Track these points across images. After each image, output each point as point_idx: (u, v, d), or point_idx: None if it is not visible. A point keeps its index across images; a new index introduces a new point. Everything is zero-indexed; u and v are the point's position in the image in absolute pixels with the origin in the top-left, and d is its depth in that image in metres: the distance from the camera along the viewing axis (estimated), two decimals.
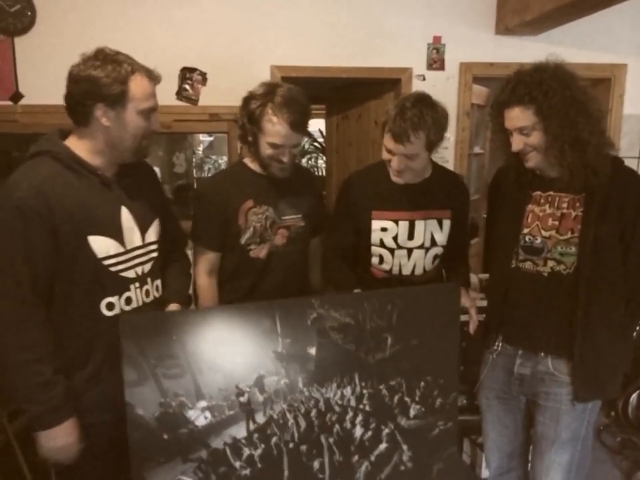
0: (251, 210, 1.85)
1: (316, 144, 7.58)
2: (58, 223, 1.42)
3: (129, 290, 1.56)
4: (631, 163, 3.42)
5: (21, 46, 2.93)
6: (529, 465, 1.99)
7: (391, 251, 1.90)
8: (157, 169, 4.38)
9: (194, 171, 6.18)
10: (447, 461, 1.77)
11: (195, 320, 1.54)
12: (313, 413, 1.62)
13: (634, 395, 3.08)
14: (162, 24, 3.02)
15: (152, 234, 1.64)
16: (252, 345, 1.57)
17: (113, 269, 1.52)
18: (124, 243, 1.54)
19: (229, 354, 1.57)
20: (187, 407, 1.52)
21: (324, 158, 5.76)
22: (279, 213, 1.90)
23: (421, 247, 1.91)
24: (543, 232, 1.70)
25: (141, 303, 1.60)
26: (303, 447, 1.61)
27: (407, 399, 1.72)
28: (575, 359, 1.68)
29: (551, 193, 1.71)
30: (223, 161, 6.56)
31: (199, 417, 1.53)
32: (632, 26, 3.26)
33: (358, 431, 1.67)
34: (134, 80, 1.46)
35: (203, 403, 1.54)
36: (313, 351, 1.63)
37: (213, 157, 6.89)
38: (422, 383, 1.73)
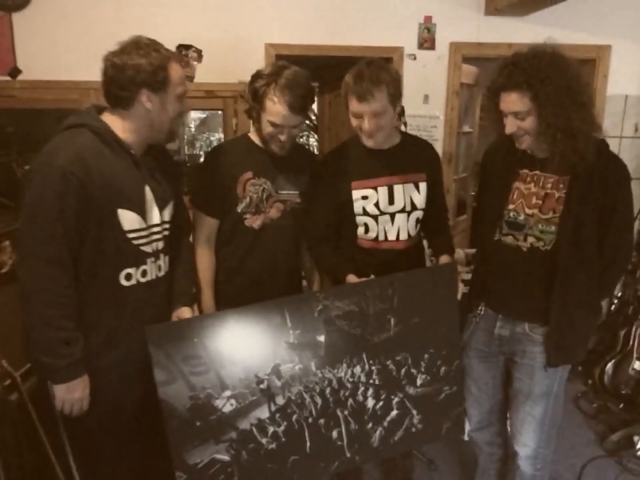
0: (249, 181, 1.90)
1: (308, 122, 7.60)
2: (93, 192, 1.49)
3: (145, 264, 1.63)
4: (613, 142, 3.51)
5: (19, 22, 2.95)
6: (507, 421, 2.11)
7: (375, 217, 1.94)
8: None
9: (185, 147, 6.21)
10: (455, 419, 1.92)
11: (213, 323, 1.69)
12: (328, 391, 1.76)
13: (609, 364, 3.24)
14: (159, 1, 3.03)
15: (166, 214, 1.72)
16: (266, 339, 1.72)
17: (135, 242, 1.59)
18: (146, 219, 1.62)
19: (246, 348, 1.71)
20: (214, 397, 1.68)
21: (316, 136, 5.81)
22: (276, 186, 1.94)
23: (402, 210, 1.96)
24: (526, 209, 1.77)
25: (154, 277, 1.67)
26: (321, 421, 1.76)
27: (413, 370, 1.84)
28: (550, 329, 1.77)
29: (537, 172, 1.77)
30: (214, 138, 6.56)
31: (226, 405, 1.68)
32: (617, 8, 3.28)
33: (370, 402, 1.81)
34: (171, 66, 1.55)
35: (227, 393, 1.69)
36: (322, 338, 1.75)
37: (205, 134, 6.88)
38: (426, 355, 1.85)
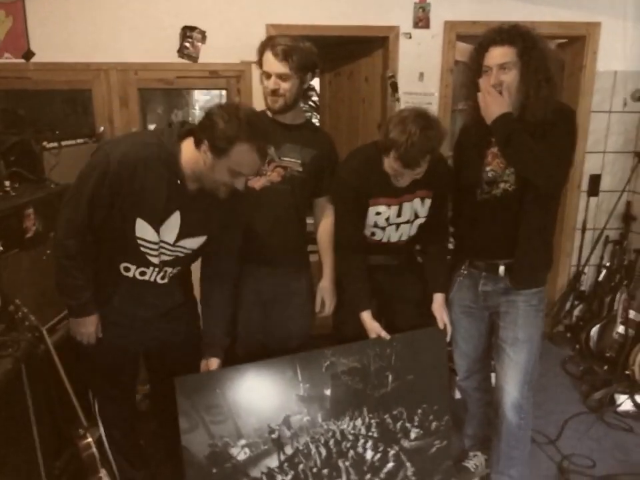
0: None
1: (310, 102, 7.68)
2: (127, 195, 1.61)
3: (147, 268, 1.75)
4: (602, 117, 3.48)
5: (32, 6, 2.97)
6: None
7: (383, 228, 2.07)
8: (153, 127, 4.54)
9: None
10: (445, 473, 2.02)
11: (234, 376, 1.82)
12: (331, 442, 1.86)
13: (595, 329, 3.35)
14: None
15: (188, 242, 1.77)
16: (279, 391, 1.84)
17: (142, 249, 1.70)
18: (159, 234, 1.70)
19: (261, 400, 1.84)
20: (230, 445, 1.80)
21: (318, 116, 5.92)
22: (279, 153, 2.01)
23: (407, 222, 2.07)
24: (500, 165, 1.91)
25: (152, 280, 1.78)
26: (325, 471, 1.86)
27: (407, 424, 1.95)
28: (517, 257, 1.92)
29: None
30: None
31: (240, 453, 1.81)
32: None
33: (369, 454, 1.91)
34: (240, 146, 1.54)
35: (242, 441, 1.81)
36: (328, 392, 1.87)
37: None
38: (419, 410, 1.96)
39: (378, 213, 2.04)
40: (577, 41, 3.38)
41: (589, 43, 3.31)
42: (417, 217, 2.09)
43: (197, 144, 1.61)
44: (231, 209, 1.81)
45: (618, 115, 3.46)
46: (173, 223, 1.71)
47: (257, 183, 2.02)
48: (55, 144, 2.48)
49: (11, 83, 3.13)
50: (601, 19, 3.28)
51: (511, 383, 2.03)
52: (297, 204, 2.11)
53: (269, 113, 2.06)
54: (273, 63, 1.93)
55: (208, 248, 1.84)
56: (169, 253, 1.76)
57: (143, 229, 1.68)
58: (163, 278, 1.80)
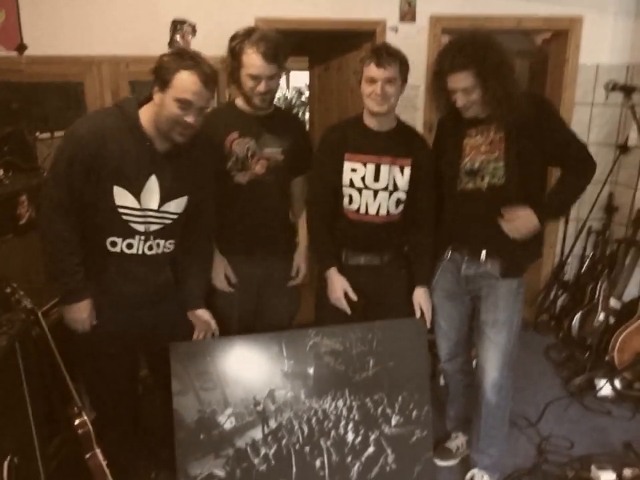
0: (235, 140, 2.04)
1: (303, 99, 7.75)
2: (99, 165, 1.67)
3: (132, 238, 1.78)
4: (584, 110, 3.57)
5: None
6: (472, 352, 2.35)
7: (359, 190, 2.10)
8: None
9: None
10: (425, 464, 2.05)
11: (224, 346, 1.92)
12: (313, 420, 1.92)
13: (577, 316, 3.43)
14: None
15: (172, 206, 1.82)
16: (265, 365, 1.92)
17: (124, 217, 1.74)
18: (139, 201, 1.75)
19: (248, 371, 1.92)
20: (218, 413, 1.88)
21: (308, 109, 5.96)
22: (260, 145, 2.06)
23: (385, 189, 2.10)
24: (479, 157, 1.99)
25: (141, 252, 1.81)
26: (307, 448, 1.92)
27: (388, 410, 2.00)
28: (511, 249, 2.00)
29: (481, 126, 1.99)
30: (208, 110, 6.75)
31: (226, 422, 1.88)
32: None
33: (350, 436, 1.96)
34: (182, 74, 1.63)
35: (229, 410, 1.89)
36: (311, 370, 1.94)
37: None
38: (400, 397, 2.01)
39: (353, 170, 2.11)
40: (560, 35, 3.45)
41: (572, 37, 3.38)
42: (396, 188, 2.13)
43: (150, 94, 1.71)
44: (203, 168, 1.90)
45: (600, 107, 3.54)
46: (152, 188, 1.77)
47: (244, 178, 2.09)
48: (48, 134, 2.54)
49: (3, 76, 3.16)
50: (583, 13, 3.35)
51: (491, 363, 2.10)
52: (283, 191, 2.21)
53: (243, 107, 2.09)
54: (262, 66, 1.95)
55: (190, 209, 1.89)
56: (156, 220, 1.81)
57: (121, 196, 1.73)
58: (150, 249, 1.83)
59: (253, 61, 1.95)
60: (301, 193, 2.29)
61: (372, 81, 2.01)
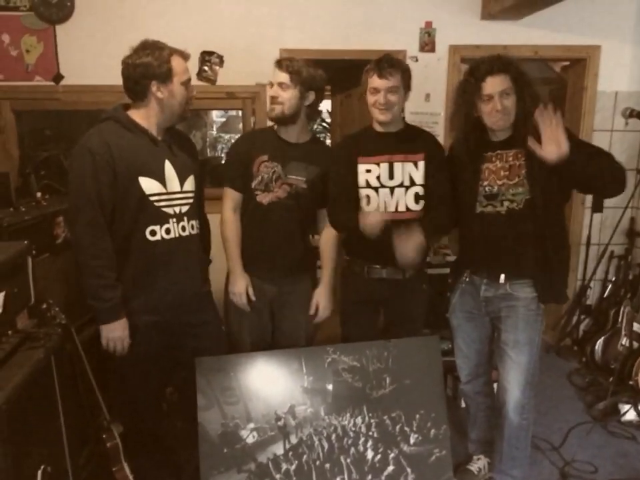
0: (263, 163, 2.15)
1: (324, 124, 7.87)
2: (117, 165, 1.79)
3: (168, 223, 1.90)
4: (604, 136, 3.60)
5: (62, 32, 3.18)
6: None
7: (376, 189, 2.17)
8: None
9: (208, 150, 6.53)
10: None
11: (247, 361, 1.99)
12: (333, 437, 1.96)
13: (600, 341, 3.41)
14: (184, 12, 3.21)
15: (188, 185, 1.98)
16: (285, 381, 1.98)
17: (156, 204, 1.88)
18: (165, 186, 1.90)
19: (269, 387, 1.98)
20: (240, 427, 1.94)
21: (330, 136, 6.07)
22: (285, 171, 2.15)
23: (401, 185, 2.16)
24: (497, 181, 2.03)
25: (177, 235, 1.93)
26: (327, 465, 1.95)
27: (406, 428, 2.02)
28: (545, 274, 2.02)
29: (499, 151, 2.04)
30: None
31: (249, 436, 1.94)
32: (604, 10, 3.32)
33: (369, 454, 1.98)
34: (174, 60, 1.83)
35: (251, 425, 1.94)
36: (330, 387, 1.99)
37: (226, 137, 7.20)
38: (417, 415, 2.04)
39: (368, 171, 2.19)
40: (579, 63, 3.51)
41: (590, 65, 3.43)
42: (412, 182, 2.19)
43: (142, 97, 1.86)
44: (191, 152, 2.10)
45: (620, 133, 3.56)
46: (170, 172, 1.93)
47: (265, 199, 2.18)
48: None
49: (41, 104, 3.34)
50: (601, 42, 3.41)
51: (513, 383, 2.11)
52: (302, 218, 2.26)
53: (280, 134, 2.21)
54: (275, 73, 2.12)
55: (198, 188, 2.06)
56: (182, 201, 1.97)
57: (148, 185, 1.87)
58: (183, 229, 1.97)
59: (273, 70, 2.15)
60: (325, 223, 2.32)
61: (375, 91, 2.12)
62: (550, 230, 2.03)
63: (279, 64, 2.12)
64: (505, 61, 1.96)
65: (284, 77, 2.11)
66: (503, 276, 2.09)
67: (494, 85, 1.95)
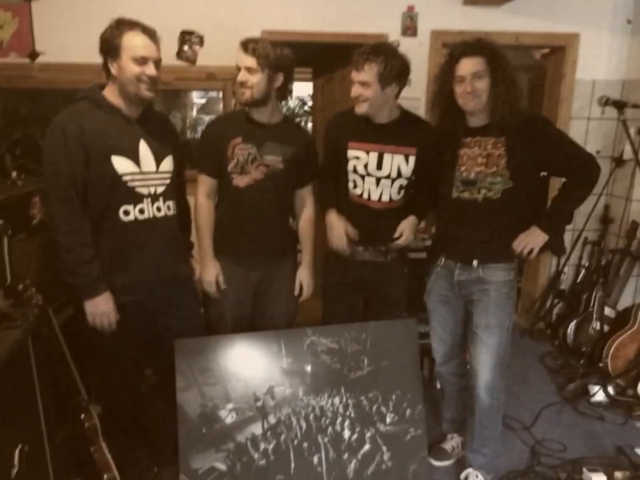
0: (238, 145, 2.11)
1: (306, 108, 7.84)
2: (89, 143, 1.78)
3: (142, 202, 1.90)
4: (580, 124, 3.59)
5: (38, 8, 3.11)
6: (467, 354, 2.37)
7: (362, 177, 2.19)
8: None
9: (188, 131, 6.47)
10: (420, 463, 2.10)
11: (226, 343, 1.99)
12: (311, 417, 1.98)
13: (572, 325, 3.47)
14: None
15: (165, 165, 1.97)
16: (264, 362, 1.99)
17: (129, 184, 1.86)
18: (140, 165, 1.89)
19: (249, 368, 1.99)
20: (219, 407, 1.95)
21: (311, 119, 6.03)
22: (261, 152, 2.12)
23: (388, 177, 2.18)
24: (475, 168, 2.03)
25: (151, 215, 1.93)
26: (305, 444, 1.98)
27: (382, 408, 2.06)
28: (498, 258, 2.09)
29: (478, 138, 2.04)
30: None
31: (227, 416, 1.95)
32: None
33: (346, 433, 2.02)
34: (127, 35, 1.80)
35: (230, 405, 1.96)
36: (308, 368, 2.01)
37: (206, 118, 7.13)
38: (393, 396, 2.07)
39: (356, 157, 2.21)
40: (558, 51, 3.54)
41: (568, 53, 3.47)
42: (399, 175, 2.21)
43: (107, 74, 1.87)
44: (170, 133, 2.10)
45: (596, 121, 3.62)
46: (146, 152, 1.92)
47: (242, 182, 2.15)
48: None
49: (15, 82, 3.26)
50: (579, 30, 3.44)
51: (484, 365, 2.16)
52: (280, 198, 2.25)
53: (252, 115, 2.17)
54: (242, 57, 2.06)
55: (176, 169, 2.05)
56: (158, 182, 1.97)
57: (121, 164, 1.86)
58: (159, 210, 1.97)
59: (237, 54, 2.09)
60: (302, 205, 2.33)
61: (352, 82, 2.12)
62: (532, 216, 2.08)
63: (245, 47, 2.05)
64: (482, 44, 1.96)
65: (251, 61, 2.05)
66: (475, 261, 2.12)
67: (466, 66, 1.95)
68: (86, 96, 1.88)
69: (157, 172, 1.96)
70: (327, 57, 3.88)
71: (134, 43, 1.82)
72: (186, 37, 3.26)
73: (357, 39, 3.40)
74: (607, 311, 3.25)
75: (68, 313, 2.10)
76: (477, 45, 1.96)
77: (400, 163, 2.19)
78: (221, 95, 3.64)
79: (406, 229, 2.26)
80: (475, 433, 2.26)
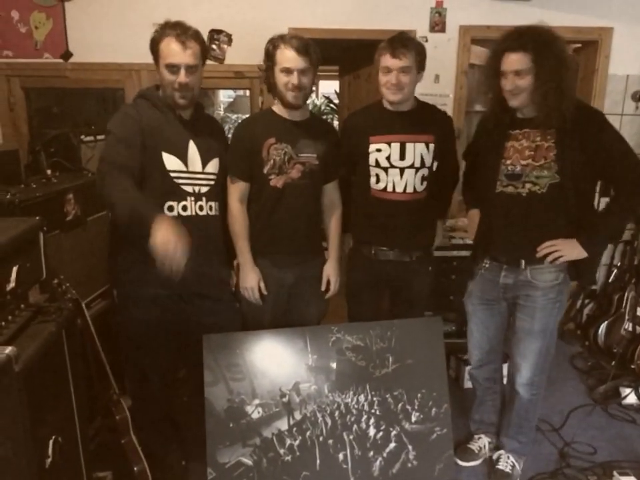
0: (272, 146, 2.09)
1: (332, 105, 7.83)
2: (145, 133, 1.86)
3: (185, 200, 1.95)
4: (614, 120, 3.52)
5: (71, 9, 3.19)
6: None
7: (385, 169, 2.17)
8: None
9: None
10: (446, 462, 2.09)
11: (253, 339, 2.02)
12: (336, 413, 2.00)
13: (603, 325, 3.40)
14: None
15: (211, 167, 2.02)
16: (290, 358, 2.02)
17: (176, 180, 1.93)
18: (187, 164, 1.95)
19: (275, 364, 2.02)
20: (246, 403, 1.98)
21: (337, 117, 6.03)
22: (296, 150, 2.11)
23: (412, 166, 2.16)
24: (521, 161, 1.96)
25: (194, 213, 1.96)
26: (330, 441, 1.99)
27: (408, 406, 2.06)
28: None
29: (526, 130, 1.97)
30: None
31: (254, 412, 1.98)
32: None
33: (372, 431, 2.02)
34: (163, 41, 1.86)
35: (256, 401, 1.99)
36: (334, 365, 2.02)
37: (233, 117, 7.19)
38: (419, 395, 2.07)
39: (379, 150, 2.20)
40: (590, 46, 3.47)
41: (602, 47, 3.40)
42: (422, 164, 2.20)
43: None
44: (219, 135, 2.15)
45: (630, 117, 3.54)
46: (194, 152, 1.98)
47: (279, 182, 2.14)
48: (91, 137, 2.67)
49: (49, 82, 3.35)
50: (613, 24, 3.37)
51: (526, 366, 2.15)
52: (316, 195, 2.26)
53: (280, 113, 2.16)
54: (294, 59, 2.01)
55: (222, 171, 2.08)
56: (202, 182, 2.01)
57: (170, 161, 1.92)
58: (201, 209, 2.01)
59: (286, 54, 2.03)
60: (331, 200, 2.32)
61: (387, 70, 2.10)
62: (580, 214, 1.98)
63: (295, 47, 2.01)
64: (529, 37, 1.86)
65: (304, 62, 2.03)
66: (522, 261, 2.06)
67: (509, 62, 1.89)
68: (143, 95, 1.97)
69: (202, 172, 2.00)
70: (353, 54, 3.88)
71: (167, 50, 1.87)
72: (214, 36, 3.30)
73: (383, 36, 3.36)
74: None
75: (101, 307, 2.15)
76: (523, 39, 1.86)
77: (422, 152, 2.20)
78: (248, 93, 3.65)
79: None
80: (511, 421, 2.28)
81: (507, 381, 2.28)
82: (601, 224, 2.01)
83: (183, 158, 1.95)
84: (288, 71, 2.04)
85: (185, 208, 1.97)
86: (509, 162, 2.02)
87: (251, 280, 2.16)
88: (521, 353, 2.15)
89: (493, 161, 2.05)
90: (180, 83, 1.88)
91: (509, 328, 2.25)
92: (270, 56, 2.09)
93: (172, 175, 1.93)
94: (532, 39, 1.86)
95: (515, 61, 1.87)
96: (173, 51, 1.87)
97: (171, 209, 1.95)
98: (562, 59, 1.88)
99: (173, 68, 1.88)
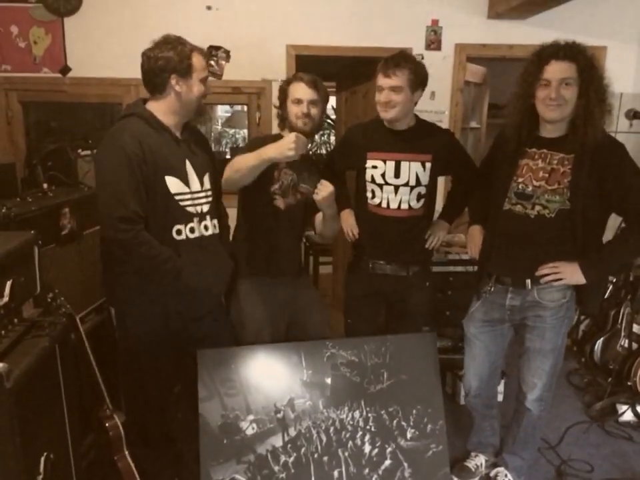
0: (283, 169, 2.18)
1: (329, 120, 7.87)
2: (147, 162, 1.81)
3: (192, 222, 1.93)
4: None
5: (70, 25, 3.22)
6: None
7: (380, 186, 2.20)
8: None
9: (213, 145, 6.54)
10: (442, 479, 2.07)
11: (248, 354, 2.01)
12: (331, 430, 1.98)
13: (599, 342, 3.41)
14: (192, 6, 3.26)
15: (206, 182, 2.00)
16: (285, 374, 2.01)
17: (181, 203, 1.90)
18: (188, 185, 1.92)
19: (269, 380, 2.00)
20: (240, 419, 1.96)
21: (334, 133, 6.05)
22: (299, 180, 2.20)
23: (406, 184, 2.18)
24: (534, 182, 1.91)
25: (199, 235, 1.95)
26: (325, 458, 1.97)
27: (403, 423, 2.04)
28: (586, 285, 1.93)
29: (545, 150, 1.92)
30: (240, 135, 6.87)
31: (248, 428, 1.96)
32: (611, 11, 3.34)
33: (367, 448, 2.00)
34: (195, 56, 1.87)
35: (251, 417, 1.97)
36: (328, 380, 2.01)
37: (231, 132, 7.20)
38: (414, 411, 2.05)
39: (374, 167, 2.23)
40: None
41: None
42: (418, 183, 2.21)
43: (160, 90, 1.88)
44: (206, 148, 2.13)
45: (624, 135, 3.57)
46: (191, 171, 1.96)
47: (281, 204, 2.22)
48: (88, 152, 2.68)
49: (47, 96, 3.37)
50: (607, 43, 3.42)
51: (535, 383, 2.13)
52: (306, 222, 2.34)
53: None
54: (305, 91, 2.13)
55: (215, 186, 2.09)
56: (203, 200, 1.99)
57: (173, 184, 1.90)
58: (206, 229, 2.00)
59: (297, 87, 2.16)
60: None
61: (380, 89, 2.12)
62: (586, 244, 1.94)
63: (305, 81, 2.14)
64: (577, 49, 1.82)
65: (313, 94, 2.16)
66: (528, 281, 2.01)
67: (555, 70, 1.81)
68: (135, 113, 1.90)
69: (201, 190, 1.99)
70: (350, 70, 3.91)
71: (201, 64, 1.90)
72: (213, 51, 3.32)
73: (380, 53, 3.42)
74: (636, 328, 3.18)
75: (95, 321, 2.13)
76: (571, 49, 1.82)
77: (417, 170, 2.21)
78: (245, 108, 3.67)
79: (435, 230, 2.29)
80: (517, 438, 2.26)
81: (516, 398, 2.25)
82: (605, 255, 1.97)
83: (184, 179, 1.93)
84: (299, 102, 2.14)
85: (192, 230, 1.95)
86: (520, 180, 1.97)
87: (281, 142, 1.95)
88: (532, 372, 2.13)
89: (505, 177, 2.01)
90: (208, 94, 1.97)
91: (517, 346, 2.23)
92: (283, 91, 2.21)
93: (176, 198, 1.90)
94: (579, 52, 1.83)
95: (563, 68, 1.81)
96: (204, 64, 1.95)
97: (179, 232, 1.92)
98: (603, 82, 1.85)
99: (205, 80, 1.95)
